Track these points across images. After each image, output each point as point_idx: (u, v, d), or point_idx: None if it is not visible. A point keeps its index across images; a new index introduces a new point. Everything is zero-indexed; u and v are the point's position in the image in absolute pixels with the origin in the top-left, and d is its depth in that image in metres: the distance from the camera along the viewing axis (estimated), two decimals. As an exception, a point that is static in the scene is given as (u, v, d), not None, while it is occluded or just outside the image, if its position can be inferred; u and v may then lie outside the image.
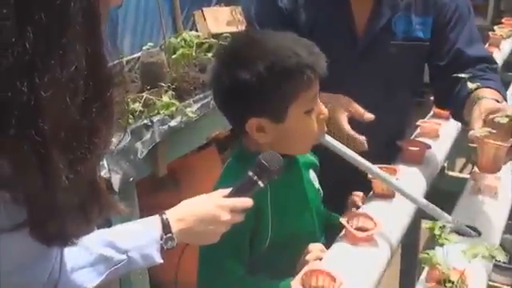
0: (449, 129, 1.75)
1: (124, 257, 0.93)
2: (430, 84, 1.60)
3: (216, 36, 2.97)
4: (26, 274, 0.79)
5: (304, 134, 1.18)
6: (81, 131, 0.62)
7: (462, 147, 1.27)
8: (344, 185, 1.40)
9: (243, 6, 1.64)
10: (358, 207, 1.32)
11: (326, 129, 1.22)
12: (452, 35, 1.50)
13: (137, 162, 2.03)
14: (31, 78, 0.55)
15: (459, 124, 1.72)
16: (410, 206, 1.33)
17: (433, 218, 1.23)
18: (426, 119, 1.83)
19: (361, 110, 1.42)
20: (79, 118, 0.61)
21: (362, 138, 1.37)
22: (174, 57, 2.58)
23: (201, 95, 2.35)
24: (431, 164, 1.57)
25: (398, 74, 1.53)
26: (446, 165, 1.85)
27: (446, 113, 1.77)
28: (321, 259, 1.12)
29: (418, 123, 1.76)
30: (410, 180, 1.43)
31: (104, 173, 1.87)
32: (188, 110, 2.25)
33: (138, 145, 2.03)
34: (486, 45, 2.57)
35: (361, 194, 1.36)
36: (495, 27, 2.78)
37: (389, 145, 1.55)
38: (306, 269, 1.02)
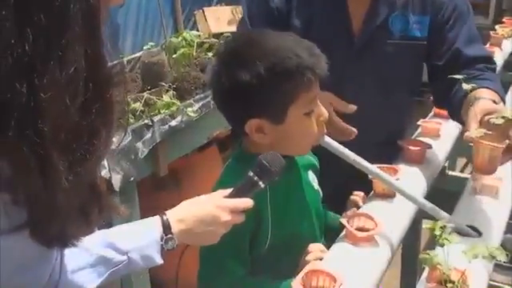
0: (450, 128, 1.75)
1: (124, 258, 0.93)
2: (428, 84, 1.60)
3: (217, 35, 2.97)
4: (26, 275, 0.79)
5: (303, 136, 1.17)
6: (81, 132, 0.62)
7: (463, 147, 1.27)
8: (344, 184, 1.40)
9: (243, 5, 1.64)
10: (358, 207, 1.32)
11: (325, 130, 1.22)
12: (450, 34, 1.50)
13: (137, 162, 2.03)
14: (31, 80, 0.55)
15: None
16: (411, 206, 1.33)
17: (434, 218, 1.23)
18: (426, 119, 1.83)
19: (343, 102, 1.44)
20: (79, 120, 0.60)
21: (351, 128, 1.40)
22: (174, 56, 2.58)
23: (201, 95, 2.35)
24: (432, 164, 1.57)
25: (395, 73, 1.53)
26: (446, 165, 1.85)
27: (446, 113, 1.77)
28: (321, 259, 1.12)
29: (418, 123, 1.76)
30: (411, 180, 1.43)
31: (104, 173, 1.87)
32: (189, 109, 2.25)
33: (139, 144, 2.03)
34: (487, 44, 2.57)
35: (361, 193, 1.36)
36: (496, 26, 2.78)
37: (388, 144, 1.55)
38: (306, 269, 1.01)
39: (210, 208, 1.00)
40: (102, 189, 0.73)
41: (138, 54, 2.85)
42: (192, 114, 2.26)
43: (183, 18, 3.43)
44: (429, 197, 1.42)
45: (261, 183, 1.03)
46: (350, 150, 1.27)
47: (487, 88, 1.34)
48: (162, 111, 2.17)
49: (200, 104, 2.32)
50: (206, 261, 1.18)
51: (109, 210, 0.75)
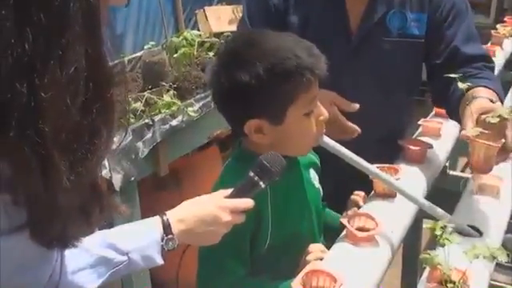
0: (450, 128, 1.74)
1: (125, 258, 0.93)
2: (427, 82, 1.59)
3: (218, 35, 2.97)
4: (26, 276, 0.79)
5: (303, 136, 1.17)
6: (82, 132, 0.62)
7: (464, 147, 1.26)
8: (345, 184, 1.40)
9: (243, 4, 1.65)
10: (359, 207, 1.32)
11: (324, 130, 1.21)
12: (448, 32, 1.49)
13: (138, 162, 2.03)
14: (31, 79, 0.55)
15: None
16: (412, 205, 1.32)
17: (435, 218, 1.23)
18: (427, 118, 1.83)
19: (346, 101, 1.45)
20: (80, 119, 0.60)
21: (355, 126, 1.42)
22: (175, 56, 2.58)
23: (202, 94, 2.35)
24: (433, 163, 1.57)
25: (393, 71, 1.53)
26: (447, 164, 1.85)
27: (447, 112, 1.77)
28: (321, 259, 1.12)
29: (419, 122, 1.75)
30: (412, 179, 1.43)
31: (105, 172, 1.87)
32: (189, 109, 2.25)
33: (140, 144, 2.03)
34: (489, 43, 2.56)
35: (362, 193, 1.36)
36: (498, 26, 2.78)
37: (388, 142, 1.55)
38: (306, 269, 1.01)
39: (211, 208, 1.00)
40: (103, 188, 0.73)
41: (138, 54, 2.85)
42: (193, 114, 2.26)
43: (184, 17, 3.43)
44: (429, 196, 1.42)
45: (261, 183, 1.03)
46: (349, 148, 1.26)
47: (485, 87, 1.34)
48: (162, 111, 2.17)
49: (201, 104, 2.32)
50: (206, 261, 1.18)
51: (110, 209, 0.75)
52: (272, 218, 1.17)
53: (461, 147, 1.59)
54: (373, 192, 1.37)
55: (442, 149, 1.65)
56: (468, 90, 1.31)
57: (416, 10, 1.50)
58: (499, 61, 2.42)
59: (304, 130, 1.16)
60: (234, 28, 3.13)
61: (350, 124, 1.42)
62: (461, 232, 1.23)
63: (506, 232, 1.35)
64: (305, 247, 1.18)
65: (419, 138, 1.67)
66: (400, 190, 1.27)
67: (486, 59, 1.52)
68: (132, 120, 2.08)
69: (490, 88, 1.34)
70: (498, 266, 2.37)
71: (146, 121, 2.08)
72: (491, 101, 1.29)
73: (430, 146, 1.56)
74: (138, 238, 0.96)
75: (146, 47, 2.71)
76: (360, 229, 1.17)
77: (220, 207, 1.00)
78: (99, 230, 0.94)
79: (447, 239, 1.01)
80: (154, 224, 0.98)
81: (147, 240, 0.96)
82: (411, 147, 1.53)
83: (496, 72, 2.02)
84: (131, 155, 2.00)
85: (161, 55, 2.44)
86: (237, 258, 1.16)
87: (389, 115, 1.59)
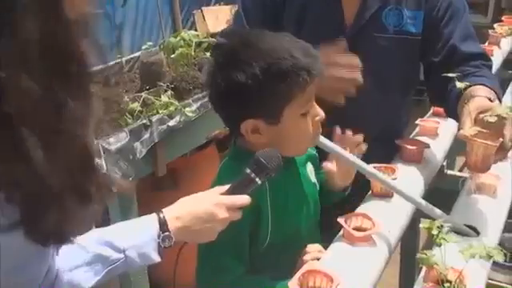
0: (448, 128, 1.74)
1: (121, 256, 0.93)
2: (424, 81, 1.59)
3: (215, 35, 2.96)
4: (22, 274, 0.78)
5: (299, 137, 1.17)
6: (45, 107, 0.59)
7: (462, 146, 1.26)
8: None
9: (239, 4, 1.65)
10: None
11: (320, 130, 1.21)
12: (446, 31, 1.49)
13: (136, 162, 2.03)
14: None
15: (459, 123, 1.72)
16: (409, 205, 1.32)
17: (433, 218, 1.23)
18: (425, 118, 1.83)
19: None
20: (42, 94, 0.58)
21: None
22: (173, 56, 2.58)
23: (200, 95, 2.35)
24: (430, 163, 1.57)
25: (389, 69, 1.53)
26: (445, 164, 1.85)
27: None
28: (318, 259, 1.12)
29: (417, 122, 1.75)
30: (409, 179, 1.43)
31: (103, 173, 1.87)
32: (187, 109, 2.25)
33: (137, 145, 2.03)
34: (486, 43, 2.57)
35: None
36: (495, 25, 2.78)
37: (385, 140, 1.55)
38: (303, 269, 1.01)
39: (207, 205, 1.00)
40: (98, 167, 0.71)
41: (136, 54, 2.85)
42: (190, 114, 2.26)
43: (182, 17, 3.43)
44: (427, 196, 1.42)
45: (258, 180, 1.03)
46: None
47: (483, 85, 1.34)
48: (160, 111, 2.16)
49: (198, 104, 2.32)
50: (205, 259, 1.18)
51: (107, 187, 0.73)
52: (271, 216, 1.18)
53: (458, 146, 1.59)
54: (370, 192, 1.37)
55: (439, 148, 1.65)
56: (466, 88, 1.31)
57: (412, 8, 1.50)
58: (497, 60, 2.42)
59: (300, 130, 1.16)
60: (231, 28, 3.13)
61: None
62: (458, 231, 1.23)
63: (504, 231, 1.35)
64: (304, 245, 1.18)
65: (416, 137, 1.67)
66: (397, 190, 1.27)
67: (484, 57, 1.52)
68: (129, 120, 2.08)
69: (487, 86, 1.34)
70: (497, 265, 2.37)
71: (144, 121, 2.08)
72: (489, 99, 1.28)
73: (428, 146, 1.56)
74: (134, 236, 0.96)
75: (143, 48, 2.70)
76: (357, 229, 1.17)
77: (216, 204, 1.00)
78: (96, 227, 0.94)
79: (444, 239, 1.01)
80: (150, 221, 0.98)
81: (144, 237, 0.96)
82: (408, 147, 1.53)
83: (494, 71, 2.02)
84: (129, 156, 2.00)
85: (158, 56, 2.44)
86: (235, 256, 1.16)
87: (386, 114, 1.59)
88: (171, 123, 2.18)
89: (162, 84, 2.31)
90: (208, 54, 2.63)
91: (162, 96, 2.22)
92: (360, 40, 1.51)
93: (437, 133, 1.70)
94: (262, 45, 1.12)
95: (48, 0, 0.58)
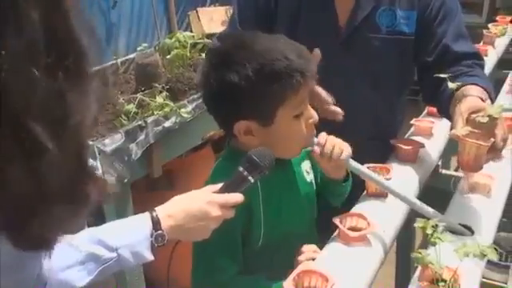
0: (443, 127, 1.74)
1: (114, 255, 0.93)
2: (417, 81, 1.60)
3: (210, 36, 2.97)
4: (14, 275, 0.78)
5: (292, 138, 1.17)
6: (49, 98, 0.59)
7: (456, 146, 1.27)
8: None
9: (234, 3, 1.66)
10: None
11: (314, 132, 1.21)
12: (439, 30, 1.50)
13: (131, 164, 2.02)
14: None
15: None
16: (404, 205, 1.33)
17: (428, 217, 1.23)
18: (419, 118, 1.83)
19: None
20: (44, 85, 0.58)
21: (338, 110, 1.40)
22: (168, 57, 2.58)
23: (195, 96, 2.35)
24: (425, 163, 1.57)
25: (383, 69, 1.53)
26: (440, 163, 1.85)
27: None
28: (314, 259, 1.12)
29: (411, 122, 1.76)
30: (404, 179, 1.43)
31: (98, 174, 1.87)
32: (182, 110, 2.25)
33: (133, 146, 2.03)
34: (481, 43, 2.57)
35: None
36: (489, 25, 2.79)
37: (379, 140, 1.55)
38: (298, 269, 1.02)
39: (200, 203, 1.00)
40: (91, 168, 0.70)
41: (131, 56, 2.85)
42: (186, 115, 2.26)
43: (177, 18, 3.43)
44: (422, 196, 1.42)
45: (250, 178, 1.03)
46: None
47: (475, 84, 1.34)
48: (155, 112, 2.16)
49: (194, 105, 2.32)
50: (199, 259, 1.18)
51: (100, 190, 0.71)
52: (264, 217, 1.17)
53: (453, 146, 1.59)
54: (365, 192, 1.37)
55: (434, 148, 1.65)
56: (458, 88, 1.31)
57: (405, 8, 1.51)
58: (491, 60, 2.43)
59: (293, 131, 1.16)
60: (226, 29, 3.13)
61: (334, 108, 1.41)
62: (453, 231, 1.23)
63: (499, 230, 1.36)
64: (299, 245, 1.18)
65: (411, 137, 1.67)
66: (390, 190, 1.27)
67: (477, 57, 1.52)
68: (125, 122, 2.08)
69: (480, 86, 1.35)
70: (493, 264, 2.37)
71: (139, 122, 2.08)
72: (481, 99, 1.29)
73: (422, 146, 1.56)
74: (127, 234, 0.96)
75: (138, 49, 2.70)
76: (352, 228, 1.17)
77: (209, 202, 1.00)
78: (88, 227, 0.94)
79: (438, 238, 1.01)
80: (143, 220, 0.98)
81: (137, 236, 0.95)
82: (403, 146, 1.53)
83: (488, 71, 2.02)
84: (124, 157, 2.00)
85: (153, 57, 2.44)
86: (228, 256, 1.16)
87: (380, 113, 1.59)
88: (167, 124, 2.18)
89: (157, 85, 2.31)
90: (203, 55, 2.63)
91: (158, 97, 2.22)
92: (354, 41, 1.51)
93: (431, 133, 1.71)
94: (256, 46, 1.12)
95: None
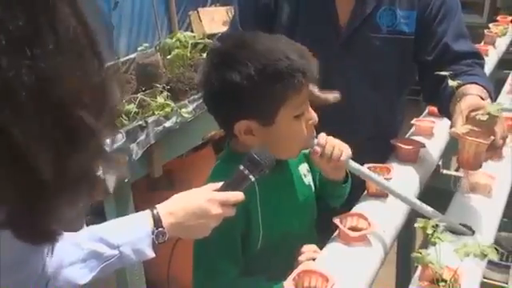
0: (443, 127, 1.74)
1: (116, 252, 0.94)
2: (418, 80, 1.60)
3: (211, 36, 2.97)
4: (17, 272, 0.78)
5: (293, 139, 1.17)
6: (97, 88, 0.60)
7: (457, 145, 1.27)
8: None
9: (235, 3, 1.67)
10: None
11: (314, 134, 1.21)
12: (439, 30, 1.50)
13: (132, 164, 2.03)
14: (31, 52, 0.52)
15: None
16: (405, 205, 1.33)
17: (428, 217, 1.23)
18: (420, 118, 1.83)
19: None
20: (93, 79, 0.59)
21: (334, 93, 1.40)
22: (169, 57, 2.58)
23: (196, 96, 2.35)
24: (426, 162, 1.57)
25: (384, 68, 1.54)
26: (440, 163, 1.85)
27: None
28: (314, 259, 1.12)
29: (412, 122, 1.76)
30: (404, 179, 1.43)
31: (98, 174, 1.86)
32: (183, 110, 2.25)
33: (133, 146, 2.03)
34: (482, 43, 2.57)
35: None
36: (490, 25, 2.79)
37: (380, 140, 1.55)
38: (298, 269, 1.02)
39: (201, 201, 1.01)
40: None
41: (132, 56, 2.85)
42: (186, 115, 2.26)
43: (178, 18, 3.43)
44: (423, 196, 1.42)
45: (251, 176, 1.04)
46: None
47: (475, 83, 1.35)
48: (156, 112, 2.16)
49: (194, 105, 2.32)
50: (199, 262, 1.18)
51: (101, 187, 0.72)
52: (262, 219, 1.17)
53: (454, 146, 1.59)
54: (365, 192, 1.37)
55: (434, 148, 1.65)
56: (458, 87, 1.31)
57: (406, 8, 1.51)
58: (492, 60, 2.43)
59: (294, 132, 1.16)
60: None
61: (329, 93, 1.40)
62: (453, 230, 1.23)
63: (500, 230, 1.36)
64: (297, 246, 1.18)
65: (412, 137, 1.67)
66: (390, 190, 1.27)
67: (476, 56, 1.52)
68: (125, 122, 2.08)
69: (479, 84, 1.35)
70: (494, 264, 2.38)
71: (140, 122, 2.08)
72: (481, 97, 1.29)
73: (423, 145, 1.56)
74: (128, 232, 0.96)
75: (139, 49, 2.70)
76: (352, 228, 1.17)
77: (210, 200, 1.01)
78: (90, 225, 0.94)
79: (438, 238, 1.01)
80: (144, 217, 0.98)
81: (138, 233, 0.96)
82: (404, 146, 1.53)
83: (489, 71, 2.02)
84: (125, 157, 1.99)
85: (154, 57, 2.44)
86: (229, 259, 1.16)
87: (380, 113, 1.59)
88: (167, 124, 2.18)
89: (158, 85, 2.31)
90: (204, 55, 2.63)
91: (158, 97, 2.22)
92: (354, 41, 1.51)
93: (432, 132, 1.71)
94: (257, 46, 1.12)
95: None
